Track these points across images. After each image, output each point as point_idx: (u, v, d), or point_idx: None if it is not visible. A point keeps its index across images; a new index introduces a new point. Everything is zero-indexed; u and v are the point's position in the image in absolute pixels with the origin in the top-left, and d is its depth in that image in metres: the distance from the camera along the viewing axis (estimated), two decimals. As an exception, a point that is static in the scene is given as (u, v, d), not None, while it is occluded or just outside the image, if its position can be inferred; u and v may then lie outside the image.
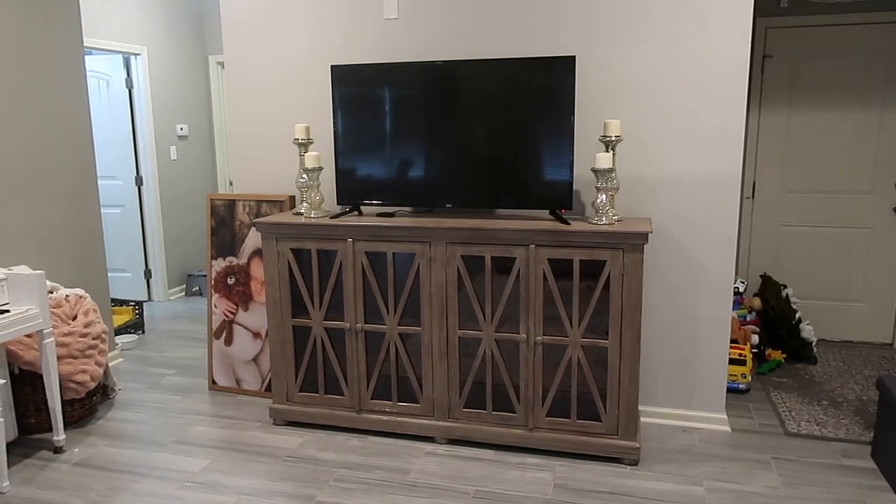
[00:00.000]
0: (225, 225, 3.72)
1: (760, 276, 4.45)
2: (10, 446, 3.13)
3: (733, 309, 4.03)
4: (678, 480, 2.79)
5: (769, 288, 4.25)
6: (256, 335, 3.70)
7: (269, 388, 3.68)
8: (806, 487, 2.73)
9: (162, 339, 4.77)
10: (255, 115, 3.66)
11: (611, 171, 2.84)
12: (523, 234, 2.86)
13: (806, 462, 2.93)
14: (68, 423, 3.33)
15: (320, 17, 3.46)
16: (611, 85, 3.13)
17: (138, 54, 5.38)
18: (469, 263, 2.99)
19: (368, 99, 3.15)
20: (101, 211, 4.11)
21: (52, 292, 3.37)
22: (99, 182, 4.75)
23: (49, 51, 3.63)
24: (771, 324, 4.19)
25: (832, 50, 4.23)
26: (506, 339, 3.01)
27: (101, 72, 5.43)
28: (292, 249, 3.19)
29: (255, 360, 3.72)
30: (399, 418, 3.18)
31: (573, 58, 2.87)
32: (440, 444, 3.14)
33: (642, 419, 3.36)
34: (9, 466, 2.95)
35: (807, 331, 4.08)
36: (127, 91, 5.45)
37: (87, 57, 5.22)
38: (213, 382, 3.82)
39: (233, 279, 3.72)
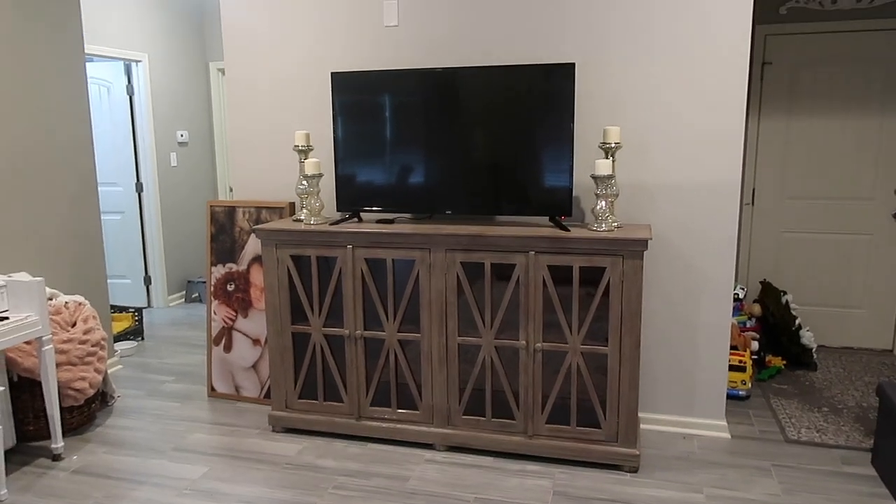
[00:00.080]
0: (225, 231, 3.72)
1: (760, 282, 4.45)
2: (9, 454, 3.12)
3: (733, 315, 4.03)
4: (678, 488, 2.78)
5: (769, 294, 4.25)
6: (256, 342, 3.70)
7: (268, 395, 3.67)
8: (806, 495, 2.72)
9: (161, 346, 4.76)
10: (255, 122, 3.67)
11: (610, 177, 2.84)
12: (523, 241, 2.86)
13: (806, 469, 2.93)
14: (67, 431, 3.32)
15: (321, 25, 3.47)
16: (610, 91, 3.13)
17: (139, 61, 5.40)
18: (469, 270, 2.99)
19: (368, 106, 3.16)
20: (101, 217, 4.12)
21: (51, 299, 3.37)
22: (99, 188, 4.76)
23: (50, 57, 3.64)
24: (771, 330, 4.18)
25: (831, 57, 4.24)
26: (505, 346, 3.01)
27: (102, 78, 5.45)
28: (292, 256, 3.19)
29: (255, 366, 3.72)
30: (398, 425, 3.18)
31: (573, 65, 2.88)
32: (439, 451, 3.13)
33: (642, 426, 3.35)
34: (7, 474, 2.94)
35: (807, 337, 4.07)
36: (128, 98, 5.47)
37: (87, 64, 5.22)
38: (213, 389, 3.81)
39: (232, 286, 3.72)
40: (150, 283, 5.76)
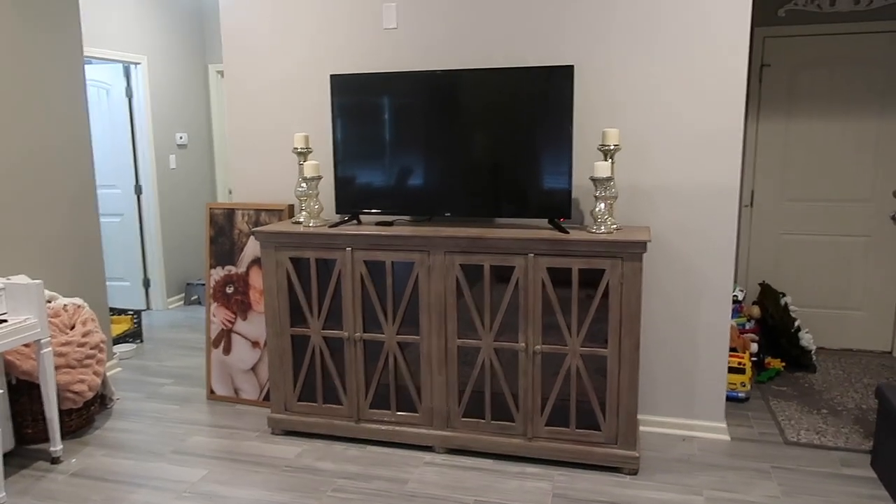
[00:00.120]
0: (224, 234, 3.72)
1: (759, 284, 4.46)
2: (7, 457, 3.12)
3: (732, 317, 4.03)
4: (678, 490, 2.78)
5: (768, 296, 4.25)
6: (255, 344, 3.70)
7: (267, 398, 3.67)
8: (805, 497, 2.72)
9: (160, 349, 4.76)
10: (254, 124, 3.67)
11: (609, 179, 2.84)
12: (522, 243, 2.86)
13: (805, 471, 2.93)
14: (66, 433, 3.32)
15: (320, 27, 3.47)
16: (609, 94, 3.14)
17: (138, 63, 5.40)
18: (468, 272, 2.99)
19: (367, 108, 3.16)
20: (100, 220, 4.11)
21: (50, 301, 3.36)
22: (98, 191, 4.76)
23: (49, 60, 3.64)
24: (770, 332, 4.18)
25: (830, 59, 4.25)
26: (505, 348, 3.01)
27: (101, 81, 5.45)
28: (291, 258, 3.19)
29: (254, 369, 3.71)
30: (398, 428, 3.17)
31: (571, 67, 2.88)
32: (439, 453, 3.13)
33: (641, 428, 3.35)
34: (5, 477, 2.93)
35: (806, 339, 4.07)
36: (127, 100, 5.47)
37: (86, 66, 5.24)
38: (212, 392, 3.81)
39: (231, 288, 3.72)
40: (149, 286, 5.75)
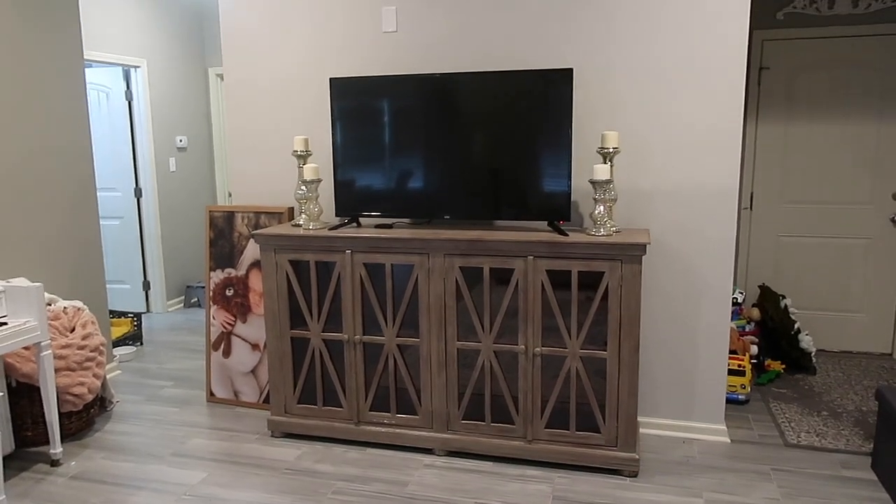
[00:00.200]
0: (224, 237, 3.72)
1: (759, 286, 4.46)
2: (7, 459, 3.11)
3: (732, 319, 4.03)
4: (678, 492, 2.78)
5: (768, 298, 4.25)
6: (255, 347, 3.70)
7: (267, 400, 3.67)
8: (806, 499, 2.72)
9: (160, 351, 4.76)
10: (254, 127, 3.67)
11: (609, 182, 2.85)
12: (521, 246, 2.87)
13: (805, 473, 2.92)
14: (65, 436, 3.31)
15: (319, 30, 3.48)
16: (608, 96, 3.14)
17: (138, 67, 5.41)
18: (467, 275, 2.99)
19: (367, 111, 3.17)
20: (100, 223, 4.11)
21: (50, 304, 3.36)
22: (98, 194, 4.77)
23: (49, 63, 3.64)
24: (770, 334, 4.18)
25: (828, 61, 4.25)
26: (504, 351, 3.01)
27: (101, 84, 5.46)
28: (291, 261, 3.19)
29: (254, 371, 3.71)
30: (397, 430, 3.17)
31: (570, 70, 2.89)
32: (439, 455, 3.13)
33: (641, 430, 3.35)
34: (5, 480, 2.93)
35: (806, 341, 4.07)
36: (126, 103, 5.48)
37: (87, 69, 5.25)
38: (212, 394, 3.81)
39: (231, 291, 3.72)
40: (149, 289, 5.75)
